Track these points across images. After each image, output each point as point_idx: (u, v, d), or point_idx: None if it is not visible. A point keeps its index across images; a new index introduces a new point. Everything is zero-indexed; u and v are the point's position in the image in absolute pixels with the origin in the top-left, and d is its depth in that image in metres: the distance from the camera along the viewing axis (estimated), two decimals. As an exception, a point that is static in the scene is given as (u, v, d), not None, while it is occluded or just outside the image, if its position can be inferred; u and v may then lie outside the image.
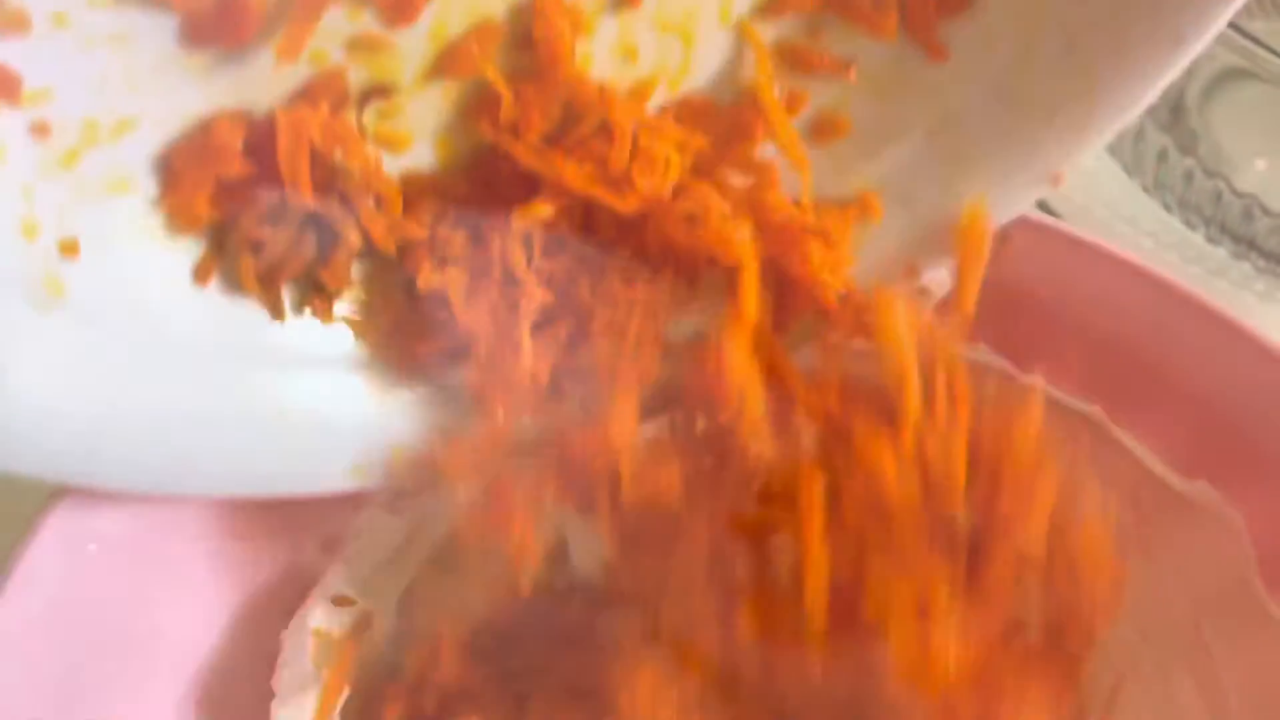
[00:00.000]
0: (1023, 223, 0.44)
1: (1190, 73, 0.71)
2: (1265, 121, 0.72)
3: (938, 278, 0.45)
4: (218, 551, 0.41)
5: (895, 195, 0.38)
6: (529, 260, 0.34)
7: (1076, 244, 0.43)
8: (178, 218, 0.31)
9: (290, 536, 0.44)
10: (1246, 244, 0.62)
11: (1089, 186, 0.67)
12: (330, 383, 0.35)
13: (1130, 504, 0.45)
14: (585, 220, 0.35)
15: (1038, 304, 0.44)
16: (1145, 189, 0.66)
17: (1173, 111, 0.72)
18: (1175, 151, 0.63)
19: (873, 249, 0.39)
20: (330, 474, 0.36)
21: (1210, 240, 0.65)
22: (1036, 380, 0.45)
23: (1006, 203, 0.37)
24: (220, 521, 0.40)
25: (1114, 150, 0.68)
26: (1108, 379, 0.44)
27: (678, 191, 0.35)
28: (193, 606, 0.40)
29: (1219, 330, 0.41)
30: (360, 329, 0.36)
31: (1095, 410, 0.44)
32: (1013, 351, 0.46)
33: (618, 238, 0.36)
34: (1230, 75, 0.70)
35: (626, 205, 0.34)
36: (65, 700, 0.36)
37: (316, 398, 0.35)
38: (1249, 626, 0.41)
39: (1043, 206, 0.52)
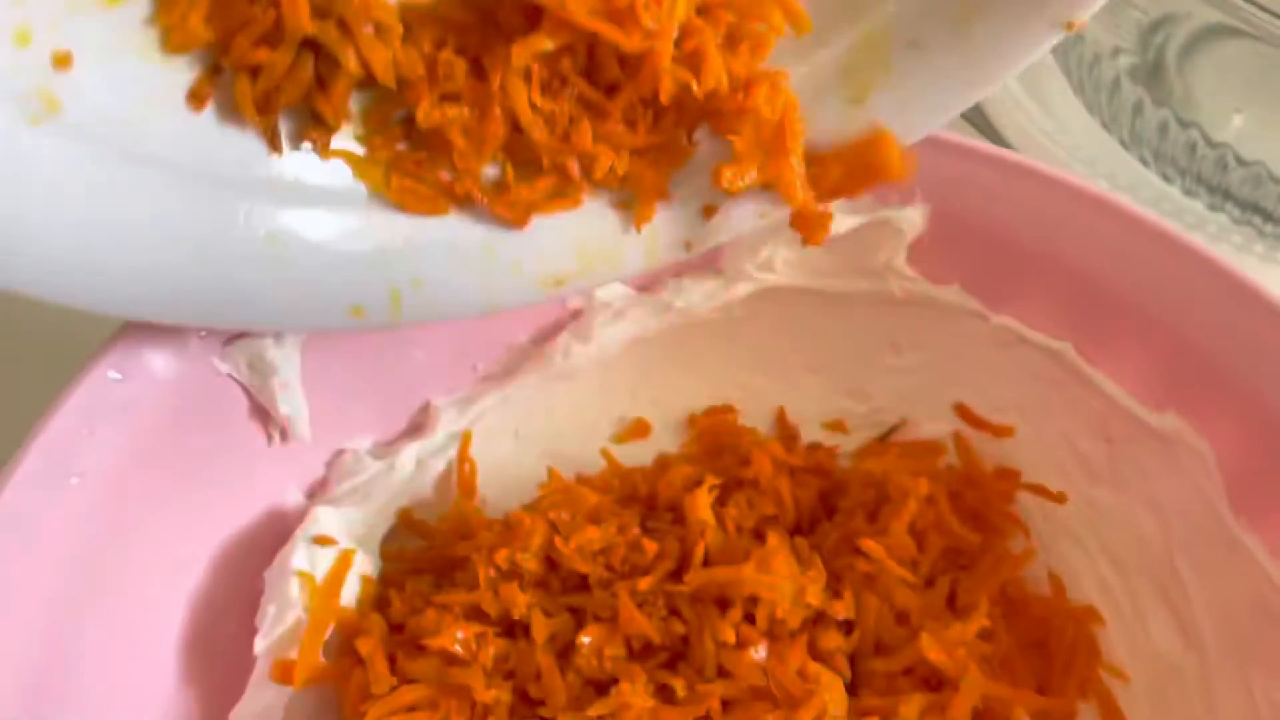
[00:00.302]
0: (993, 162, 0.45)
1: (1169, 31, 0.72)
2: (1243, 77, 0.72)
3: (909, 218, 0.46)
4: (199, 493, 0.41)
5: (905, 37, 0.37)
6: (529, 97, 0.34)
7: (1048, 181, 0.44)
8: (173, 34, 0.30)
9: (272, 480, 0.44)
10: (1222, 195, 0.63)
11: (1066, 143, 0.67)
12: (328, 220, 0.35)
13: (1102, 438, 0.46)
14: (588, 61, 0.35)
15: (1009, 242, 0.45)
16: (1123, 143, 0.67)
17: (1152, 69, 0.72)
18: (1151, 104, 0.63)
19: (887, 96, 0.37)
20: (330, 312, 0.36)
21: (1187, 193, 0.65)
22: (1008, 321, 0.46)
23: (1020, 48, 0.35)
24: (201, 463, 0.41)
25: (1091, 106, 0.68)
26: (1079, 315, 0.45)
27: (683, 33, 0.35)
28: (174, 547, 0.41)
29: (1188, 263, 0.42)
30: (359, 165, 0.35)
31: (1066, 347, 0.45)
32: (985, 291, 0.47)
33: (620, 80, 0.35)
34: (1209, 33, 0.70)
35: (630, 42, 0.34)
36: (49, 638, 0.37)
37: (314, 234, 0.34)
38: (1219, 553, 0.42)
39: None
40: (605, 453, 0.50)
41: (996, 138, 0.67)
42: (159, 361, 0.39)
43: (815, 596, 0.41)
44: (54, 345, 0.45)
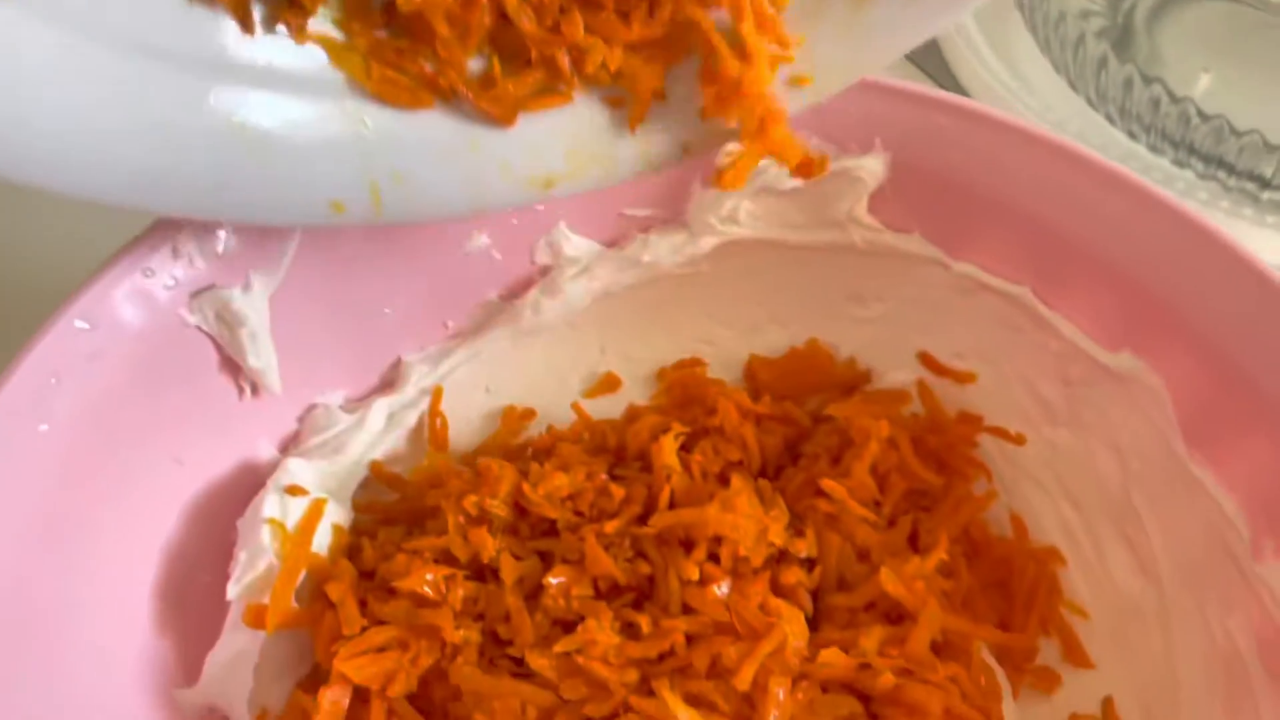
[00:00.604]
0: (951, 109, 0.46)
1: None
2: (1212, 38, 0.73)
3: (870, 167, 0.47)
4: (171, 445, 0.42)
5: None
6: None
7: (1004, 128, 0.44)
8: (139, -92, 0.28)
9: (244, 434, 0.45)
10: (1187, 150, 0.63)
11: (1035, 104, 0.68)
12: (302, 108, 0.33)
13: (1060, 380, 0.46)
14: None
15: (968, 189, 0.46)
16: (1090, 102, 0.68)
17: (1122, 31, 0.73)
18: (1116, 61, 0.64)
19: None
20: (308, 205, 0.34)
21: (1153, 149, 0.66)
22: (968, 267, 0.47)
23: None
24: (173, 415, 0.42)
25: (1058, 65, 0.69)
26: (1036, 259, 0.45)
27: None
28: (147, 498, 0.41)
29: (1141, 204, 0.42)
30: (336, 51, 0.33)
31: (1024, 291, 0.46)
32: (945, 239, 0.47)
33: None
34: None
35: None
36: (20, 586, 0.37)
37: (290, 123, 0.33)
38: (1173, 489, 0.43)
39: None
40: (576, 406, 0.51)
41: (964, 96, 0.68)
42: (127, 311, 0.39)
43: (778, 535, 0.41)
44: (20, 296, 0.46)
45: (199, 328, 0.41)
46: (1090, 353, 0.44)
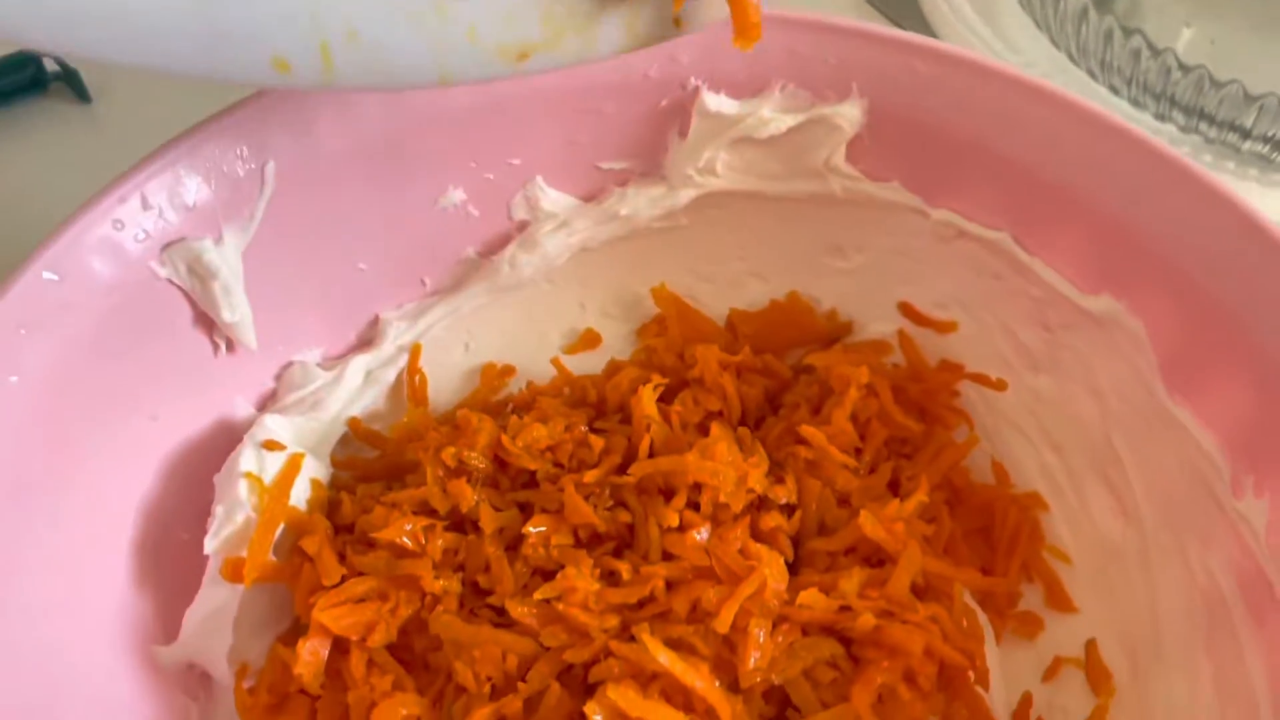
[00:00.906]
0: (927, 53, 0.46)
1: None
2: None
3: (848, 114, 0.46)
4: (146, 401, 0.41)
5: None
6: None
7: (981, 70, 0.44)
8: None
9: (221, 392, 0.45)
10: (1169, 103, 0.63)
11: (1018, 61, 0.68)
12: None
13: (1040, 326, 0.46)
14: None
15: (946, 135, 0.45)
16: (1071, 57, 0.67)
17: (1103, -9, 0.73)
18: (1095, 12, 0.63)
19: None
20: (249, 61, 0.30)
21: (1135, 104, 0.65)
22: (947, 214, 0.47)
23: None
24: (147, 370, 0.41)
25: (1040, 22, 0.69)
26: (1015, 204, 0.45)
27: None
28: (122, 454, 0.41)
29: (1117, 145, 0.42)
30: None
31: (1004, 236, 0.45)
32: (924, 186, 0.47)
33: None
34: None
35: None
36: None
37: None
38: (1153, 429, 0.43)
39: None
40: (556, 362, 0.50)
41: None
42: (96, 263, 0.39)
43: (758, 482, 0.41)
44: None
45: (171, 281, 0.41)
46: (1069, 297, 0.44)
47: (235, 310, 0.42)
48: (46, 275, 0.37)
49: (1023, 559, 0.45)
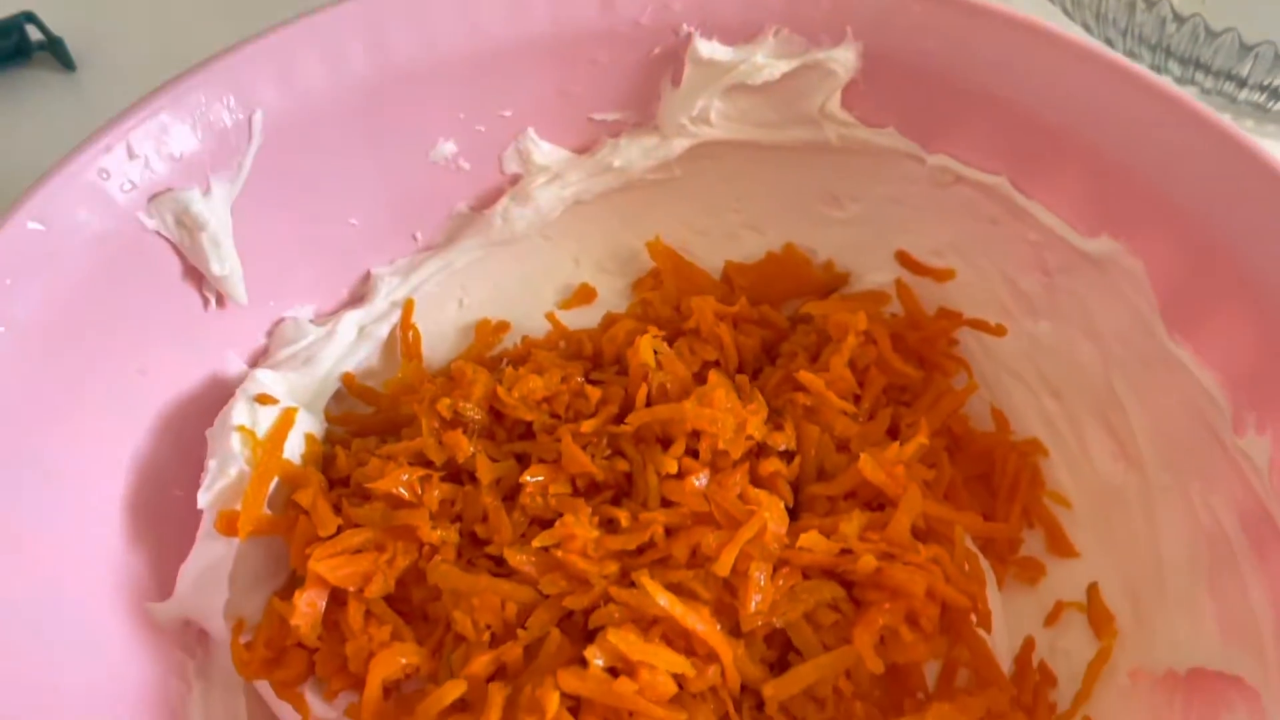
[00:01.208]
0: (921, -2, 0.45)
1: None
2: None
3: (842, 58, 0.46)
4: (136, 355, 0.41)
5: None
6: None
7: (975, 10, 0.44)
8: None
9: (212, 347, 0.44)
10: (1164, 53, 0.63)
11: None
12: None
13: (1039, 270, 0.46)
14: None
15: (942, 78, 0.45)
16: (1066, 10, 0.67)
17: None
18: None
19: None
20: None
21: (1131, 55, 0.65)
22: (944, 159, 0.46)
23: None
24: (136, 324, 0.41)
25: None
26: (1012, 146, 0.45)
27: None
28: (112, 409, 0.40)
29: (1114, 82, 0.42)
30: None
31: (1001, 180, 0.45)
32: (920, 131, 0.46)
33: None
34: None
35: None
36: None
37: None
38: (1154, 370, 0.42)
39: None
40: (551, 316, 0.50)
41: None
42: (82, 213, 0.38)
43: (756, 429, 0.41)
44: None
45: (159, 233, 0.40)
46: (1068, 240, 0.44)
47: (224, 263, 0.42)
48: (32, 225, 0.37)
49: (1023, 505, 0.45)
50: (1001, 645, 0.42)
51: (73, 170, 0.38)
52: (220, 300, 0.43)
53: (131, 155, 0.39)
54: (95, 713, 0.39)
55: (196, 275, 0.42)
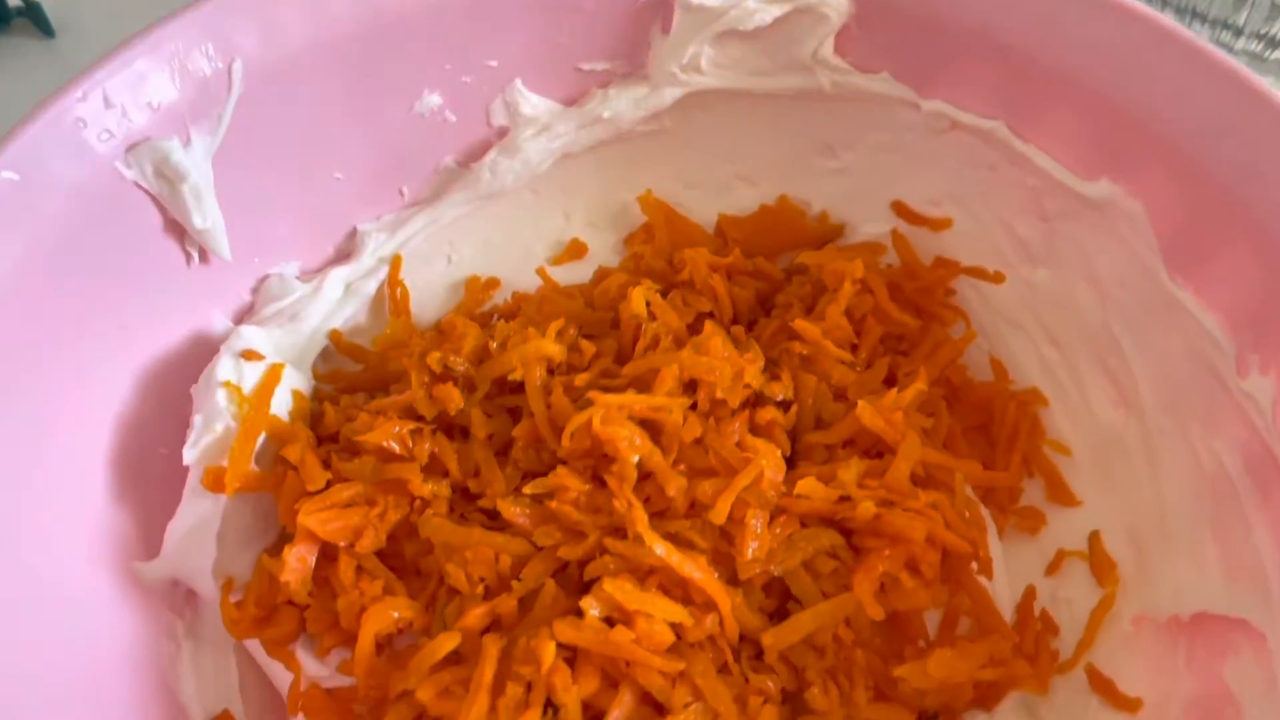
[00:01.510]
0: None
1: None
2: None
3: (835, 2, 0.45)
4: (117, 311, 0.40)
5: None
6: None
7: (969, -47, 0.43)
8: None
9: (195, 304, 0.43)
10: (1160, 3, 0.62)
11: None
12: None
13: (1037, 217, 0.45)
14: None
15: (936, 21, 0.44)
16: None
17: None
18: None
19: None
20: None
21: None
22: (939, 105, 0.46)
23: None
24: (117, 279, 0.40)
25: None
26: (1009, 90, 0.44)
27: None
28: (94, 366, 0.40)
29: (1113, 21, 0.41)
30: None
31: (998, 125, 0.44)
32: (915, 76, 0.45)
33: None
34: None
35: None
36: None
37: None
38: (1155, 314, 0.42)
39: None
40: (541, 272, 0.49)
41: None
42: (59, 163, 0.37)
43: (754, 377, 0.40)
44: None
45: (138, 184, 0.39)
46: (1067, 184, 0.43)
47: (206, 217, 0.41)
48: (7, 175, 0.36)
49: (1023, 454, 0.44)
50: (1003, 595, 0.41)
51: (48, 119, 0.37)
52: (203, 255, 0.42)
53: (108, 104, 0.38)
54: (82, 674, 0.38)
55: (178, 229, 0.41)
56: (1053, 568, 0.43)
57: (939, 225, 0.48)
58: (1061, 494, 0.44)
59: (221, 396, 0.40)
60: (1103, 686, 0.39)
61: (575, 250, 0.50)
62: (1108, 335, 0.43)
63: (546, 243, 0.51)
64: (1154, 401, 0.42)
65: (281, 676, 0.40)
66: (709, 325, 0.42)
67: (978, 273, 0.46)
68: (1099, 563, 0.42)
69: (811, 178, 0.49)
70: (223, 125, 0.41)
